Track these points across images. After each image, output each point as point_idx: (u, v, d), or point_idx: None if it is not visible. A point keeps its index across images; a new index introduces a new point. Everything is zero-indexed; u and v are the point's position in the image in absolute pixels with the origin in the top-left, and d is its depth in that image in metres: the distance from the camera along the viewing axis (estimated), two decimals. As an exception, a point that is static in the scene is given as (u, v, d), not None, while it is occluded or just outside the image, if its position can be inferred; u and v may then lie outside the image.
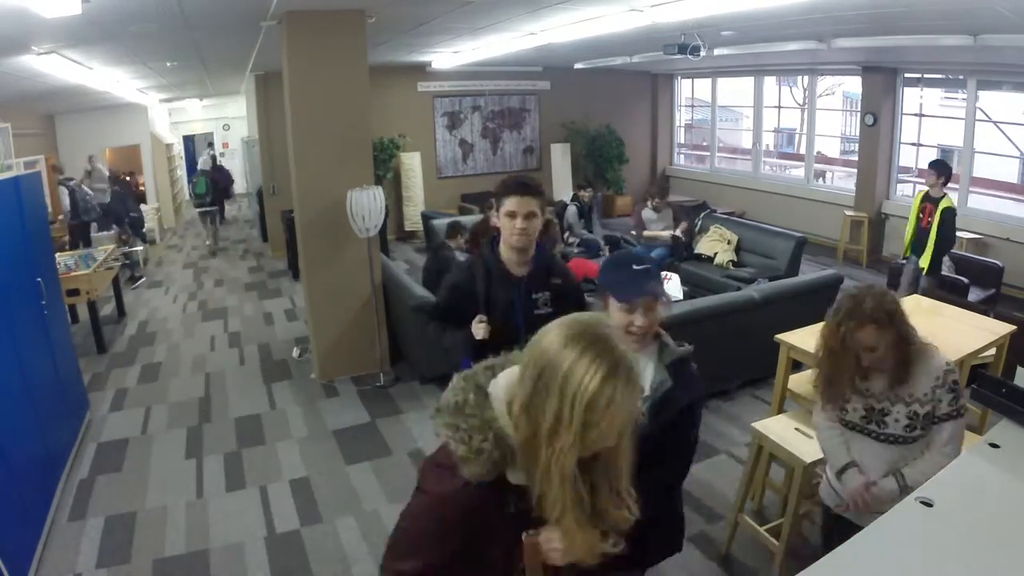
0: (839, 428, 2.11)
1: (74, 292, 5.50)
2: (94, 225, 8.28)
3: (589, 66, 9.33)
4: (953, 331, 3.25)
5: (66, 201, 7.97)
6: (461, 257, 5.59)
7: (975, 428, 3.36)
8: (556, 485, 1.02)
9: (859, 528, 1.76)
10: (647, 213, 6.78)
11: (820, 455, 2.27)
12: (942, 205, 5.08)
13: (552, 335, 1.04)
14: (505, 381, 1.14)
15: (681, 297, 5.47)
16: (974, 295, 5.36)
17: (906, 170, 8.05)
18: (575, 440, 0.98)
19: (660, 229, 6.66)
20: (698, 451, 1.93)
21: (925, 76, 7.66)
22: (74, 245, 7.83)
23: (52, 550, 3.08)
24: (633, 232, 7.02)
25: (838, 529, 2.06)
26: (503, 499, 1.09)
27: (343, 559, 3.01)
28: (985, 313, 3.71)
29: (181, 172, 14.35)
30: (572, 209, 7.50)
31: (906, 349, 1.92)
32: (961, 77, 7.11)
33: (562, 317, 1.09)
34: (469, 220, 6.71)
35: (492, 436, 1.06)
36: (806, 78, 9.44)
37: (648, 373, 1.68)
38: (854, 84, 8.62)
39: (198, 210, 9.95)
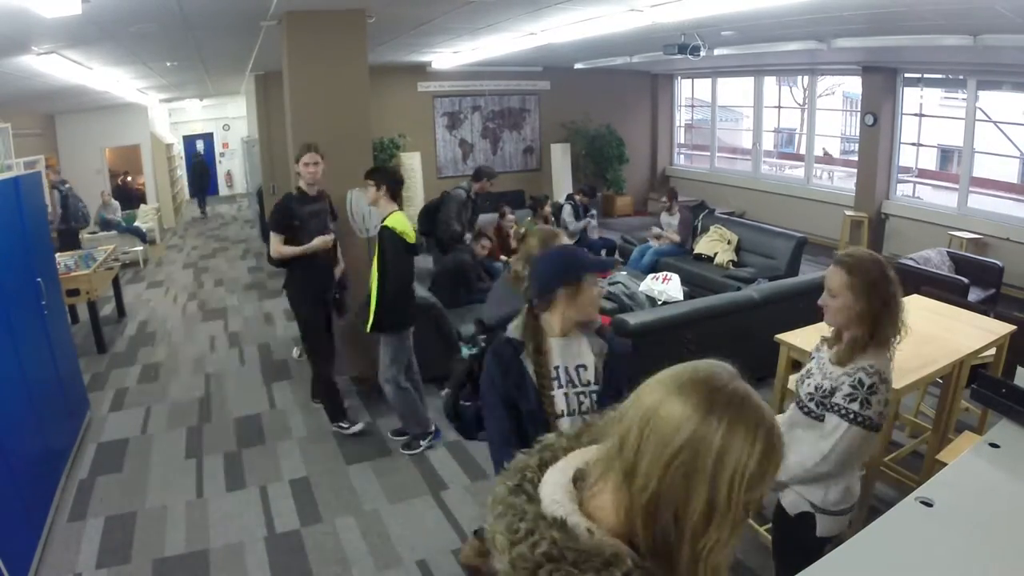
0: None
1: (74, 292, 5.50)
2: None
3: (589, 66, 9.33)
4: (953, 331, 3.25)
5: (57, 205, 7.68)
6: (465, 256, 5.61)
7: (975, 428, 3.37)
8: None
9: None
10: (665, 217, 7.08)
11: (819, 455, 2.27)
12: None
13: (675, 406, 0.80)
14: (562, 480, 0.88)
15: (681, 297, 5.47)
16: (974, 295, 5.36)
17: (906, 170, 8.06)
18: (734, 528, 0.80)
19: (673, 232, 6.95)
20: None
21: (925, 76, 7.66)
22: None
23: (52, 550, 3.08)
24: (655, 231, 7.21)
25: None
26: None
27: (343, 559, 3.01)
28: (985, 313, 3.70)
29: (181, 172, 14.36)
30: (567, 208, 7.52)
31: (866, 332, 1.83)
32: (961, 77, 7.12)
33: (664, 377, 0.85)
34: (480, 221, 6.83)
35: (618, 569, 0.78)
36: (806, 78, 9.44)
37: (588, 343, 1.90)
38: (854, 84, 8.62)
39: None
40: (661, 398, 0.82)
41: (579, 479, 0.88)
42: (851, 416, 1.79)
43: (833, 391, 1.86)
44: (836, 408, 1.83)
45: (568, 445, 0.96)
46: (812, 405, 1.92)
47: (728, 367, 0.87)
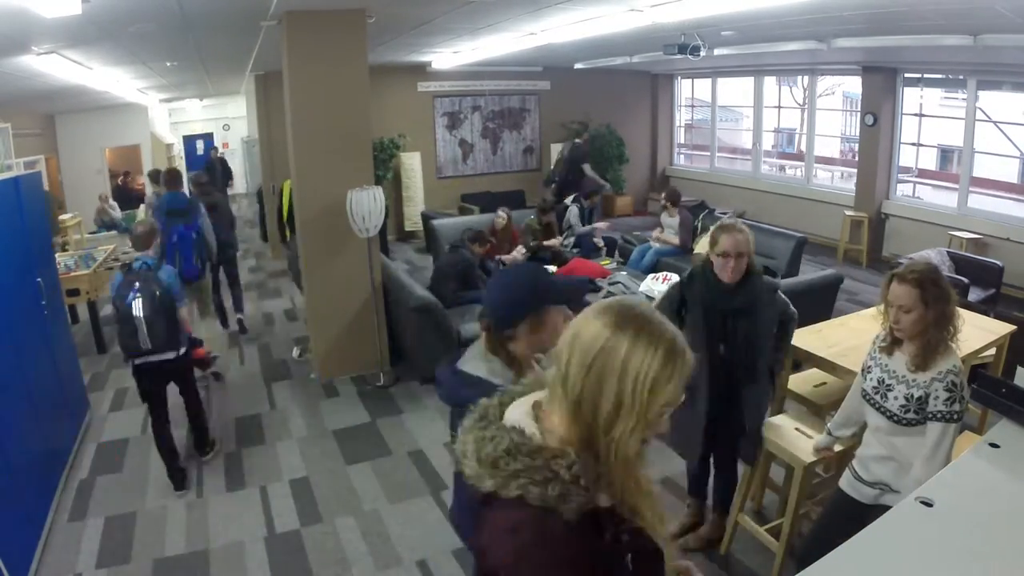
0: (859, 394, 2.24)
1: (74, 292, 5.50)
2: None
3: (589, 66, 9.33)
4: (953, 331, 3.24)
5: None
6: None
7: (975, 428, 3.37)
8: (621, 473, 0.97)
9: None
10: (665, 218, 7.03)
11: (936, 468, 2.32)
12: None
13: (594, 325, 0.99)
14: (522, 408, 1.07)
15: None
16: (974, 295, 5.36)
17: (906, 170, 8.05)
18: (639, 421, 0.95)
19: (672, 233, 6.93)
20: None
21: (925, 76, 7.66)
22: None
23: (52, 550, 3.08)
24: (653, 234, 7.18)
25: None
26: (602, 527, 1.00)
27: (343, 559, 3.01)
28: (985, 313, 3.71)
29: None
30: (574, 209, 7.52)
31: (937, 336, 1.95)
32: (961, 77, 7.11)
33: (590, 307, 1.04)
34: (476, 222, 6.91)
35: (563, 465, 0.95)
36: (806, 78, 9.43)
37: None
38: (854, 84, 8.62)
39: None
40: (584, 322, 1.01)
41: (536, 407, 1.06)
42: (955, 417, 1.93)
43: (926, 398, 1.97)
44: (940, 416, 1.95)
45: (525, 390, 1.13)
46: (910, 416, 2.01)
47: (642, 300, 1.14)
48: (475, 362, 1.55)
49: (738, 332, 2.54)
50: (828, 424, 2.53)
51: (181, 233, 4.80)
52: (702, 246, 6.80)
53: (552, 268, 6.32)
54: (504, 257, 6.46)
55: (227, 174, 13.15)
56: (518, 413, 1.07)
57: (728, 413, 2.63)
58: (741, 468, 2.92)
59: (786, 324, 2.75)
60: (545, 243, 6.76)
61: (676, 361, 0.97)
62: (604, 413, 0.96)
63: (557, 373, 1.01)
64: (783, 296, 2.72)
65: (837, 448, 2.54)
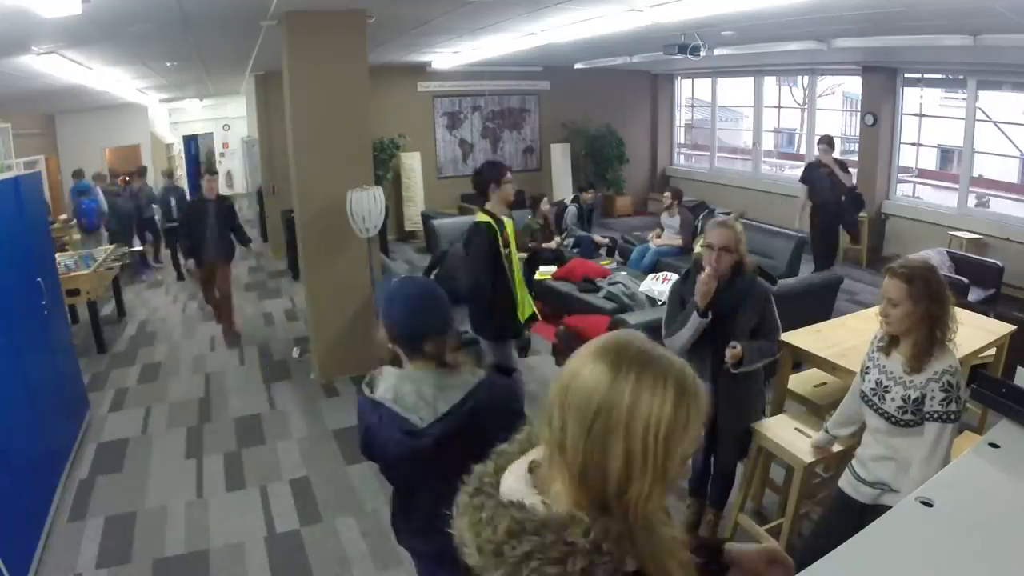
0: (858, 395, 2.24)
1: (74, 292, 5.50)
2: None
3: (589, 66, 9.33)
4: (953, 331, 3.24)
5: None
6: None
7: (975, 428, 3.36)
8: (643, 536, 0.84)
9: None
10: (665, 218, 7.07)
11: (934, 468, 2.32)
12: None
13: (587, 373, 0.84)
14: (516, 473, 0.93)
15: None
16: (974, 295, 5.36)
17: (906, 170, 8.05)
18: (656, 479, 0.82)
19: (673, 233, 6.97)
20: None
21: (925, 76, 7.65)
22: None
23: (52, 550, 3.08)
24: (651, 236, 7.21)
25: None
26: None
27: (343, 559, 3.01)
28: (985, 313, 3.70)
29: (181, 172, 14.34)
30: (572, 210, 7.52)
31: (931, 335, 1.96)
32: (961, 77, 7.11)
33: (581, 350, 0.89)
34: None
35: (578, 533, 0.80)
36: (806, 78, 9.43)
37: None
38: (854, 84, 8.61)
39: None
40: (574, 371, 0.86)
41: (533, 470, 0.91)
42: (951, 417, 1.94)
43: (922, 399, 1.97)
44: (936, 416, 1.95)
45: (521, 449, 0.98)
46: (907, 417, 2.01)
47: (638, 333, 0.91)
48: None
49: (723, 330, 2.56)
50: (826, 423, 2.54)
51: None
52: (701, 245, 6.82)
53: (552, 268, 6.33)
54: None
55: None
56: (513, 481, 0.91)
57: (724, 412, 2.64)
58: (740, 468, 2.92)
59: (767, 339, 2.66)
60: (543, 245, 6.76)
61: (689, 402, 0.83)
62: (614, 475, 0.82)
63: (551, 436, 0.86)
64: (763, 283, 2.63)
65: (836, 448, 2.55)
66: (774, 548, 1.15)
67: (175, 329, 6.39)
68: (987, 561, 1.10)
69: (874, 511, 2.03)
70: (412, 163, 9.56)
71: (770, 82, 9.86)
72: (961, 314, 3.52)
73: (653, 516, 0.85)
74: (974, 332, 3.28)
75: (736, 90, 10.48)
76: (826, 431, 2.51)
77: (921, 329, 1.96)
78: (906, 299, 1.94)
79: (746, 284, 2.58)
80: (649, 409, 0.81)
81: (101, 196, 8.49)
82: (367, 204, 4.49)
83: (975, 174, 7.21)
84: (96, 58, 5.68)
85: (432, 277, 6.00)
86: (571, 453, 0.84)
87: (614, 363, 0.84)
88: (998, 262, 5.82)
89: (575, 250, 7.04)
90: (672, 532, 0.90)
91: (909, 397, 2.00)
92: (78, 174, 8.80)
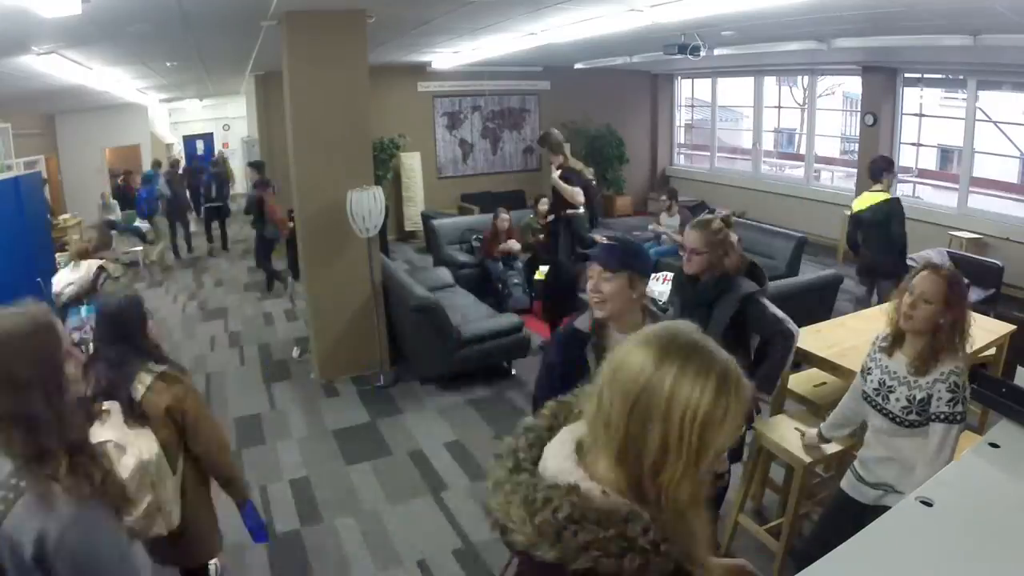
0: (858, 396, 2.23)
1: (74, 292, 5.50)
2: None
3: (589, 66, 9.33)
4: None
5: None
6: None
7: (975, 428, 3.36)
8: (674, 522, 0.87)
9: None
10: (665, 218, 7.20)
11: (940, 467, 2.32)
12: None
13: (635, 358, 0.88)
14: (563, 453, 0.95)
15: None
16: (974, 295, 5.35)
17: (906, 170, 8.05)
18: (688, 467, 0.85)
19: (674, 233, 7.10)
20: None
21: (925, 76, 7.65)
22: None
23: (52, 550, 3.07)
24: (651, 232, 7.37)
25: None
26: None
27: (343, 559, 3.01)
28: (985, 313, 3.70)
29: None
30: None
31: (946, 340, 1.96)
32: (961, 77, 7.11)
33: (631, 337, 0.94)
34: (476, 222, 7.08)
35: (638, 531, 0.84)
36: (806, 78, 9.43)
37: None
38: (854, 84, 8.61)
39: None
40: (625, 353, 0.91)
41: (579, 450, 0.95)
42: (957, 417, 1.93)
43: (928, 399, 1.97)
44: (943, 416, 1.95)
45: (549, 424, 1.03)
46: (912, 418, 2.01)
47: (690, 324, 0.96)
48: None
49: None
50: (820, 426, 2.52)
51: None
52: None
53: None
54: (501, 247, 6.60)
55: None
56: (562, 460, 0.94)
57: None
58: (740, 468, 2.92)
59: (773, 340, 2.51)
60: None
61: (729, 395, 0.86)
62: (650, 456, 0.86)
63: (599, 413, 0.90)
64: (773, 311, 2.48)
65: (834, 448, 2.54)
66: (743, 565, 1.18)
67: (175, 329, 6.39)
68: (987, 560, 1.10)
69: (875, 511, 2.03)
70: (412, 163, 9.56)
71: (770, 82, 9.86)
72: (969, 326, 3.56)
73: (685, 505, 0.88)
74: (974, 332, 3.27)
75: (736, 90, 10.48)
76: (820, 435, 2.50)
77: (937, 333, 1.96)
78: (941, 300, 1.94)
79: (721, 284, 2.49)
80: (688, 397, 0.84)
81: (162, 181, 9.53)
82: (367, 204, 4.49)
83: (975, 174, 7.21)
84: (96, 58, 5.68)
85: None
86: (614, 428, 0.88)
87: (661, 349, 0.88)
88: (998, 262, 5.82)
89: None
90: (704, 525, 0.94)
91: (914, 397, 2.00)
92: (156, 164, 10.25)
